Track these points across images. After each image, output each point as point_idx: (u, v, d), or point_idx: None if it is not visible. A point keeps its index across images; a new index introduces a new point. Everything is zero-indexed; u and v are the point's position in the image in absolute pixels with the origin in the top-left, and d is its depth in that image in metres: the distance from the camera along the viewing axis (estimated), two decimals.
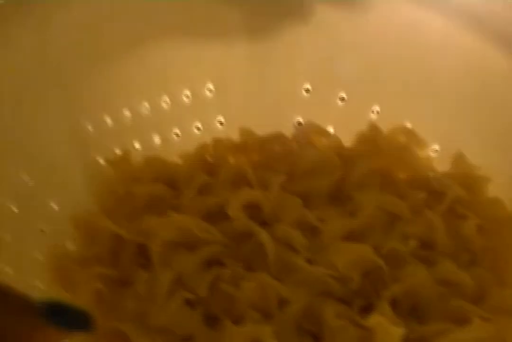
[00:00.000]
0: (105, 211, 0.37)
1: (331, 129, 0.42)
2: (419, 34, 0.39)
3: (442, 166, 0.40)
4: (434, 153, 0.41)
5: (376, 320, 0.30)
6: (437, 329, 0.31)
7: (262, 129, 0.41)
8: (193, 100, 0.42)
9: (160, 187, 0.37)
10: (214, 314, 0.32)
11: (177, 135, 0.42)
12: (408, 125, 0.41)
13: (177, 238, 0.34)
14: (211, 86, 0.41)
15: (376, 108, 0.42)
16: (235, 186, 0.36)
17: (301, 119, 0.43)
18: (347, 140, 0.41)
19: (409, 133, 0.40)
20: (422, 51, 0.40)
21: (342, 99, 0.42)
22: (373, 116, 0.42)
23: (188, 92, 0.41)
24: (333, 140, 0.40)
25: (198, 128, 0.43)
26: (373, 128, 0.40)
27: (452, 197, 0.36)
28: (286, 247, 0.33)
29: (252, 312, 0.31)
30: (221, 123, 0.43)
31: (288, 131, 0.42)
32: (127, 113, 0.40)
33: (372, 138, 0.39)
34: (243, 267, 0.34)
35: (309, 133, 0.39)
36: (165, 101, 0.41)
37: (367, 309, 0.32)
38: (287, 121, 0.43)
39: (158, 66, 0.40)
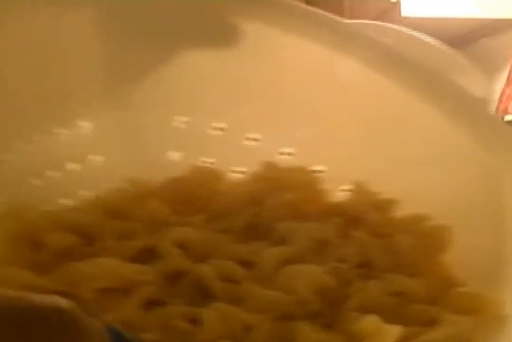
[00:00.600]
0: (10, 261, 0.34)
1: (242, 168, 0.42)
2: (327, 74, 0.39)
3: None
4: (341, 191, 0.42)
5: (370, 320, 0.30)
6: (408, 332, 0.32)
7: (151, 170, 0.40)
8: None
9: (71, 236, 0.36)
10: None
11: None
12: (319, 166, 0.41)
13: (109, 283, 0.32)
14: None
15: (288, 149, 0.42)
16: (155, 228, 0.36)
17: (211, 160, 0.43)
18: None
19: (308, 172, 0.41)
20: (331, 93, 0.39)
21: (255, 139, 0.41)
22: (285, 157, 0.41)
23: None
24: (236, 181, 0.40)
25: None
26: (270, 167, 0.40)
27: (371, 218, 0.38)
28: (226, 280, 0.33)
29: None
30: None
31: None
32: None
33: (270, 177, 0.39)
34: (185, 304, 0.33)
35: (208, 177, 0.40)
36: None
37: (330, 326, 0.32)
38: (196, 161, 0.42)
39: None
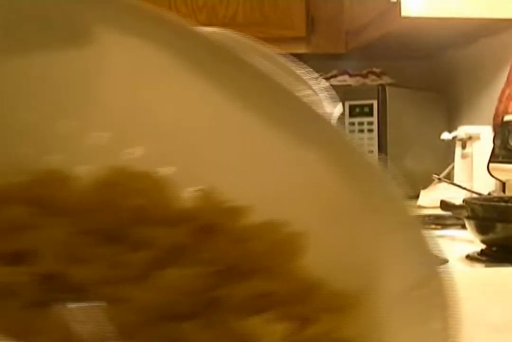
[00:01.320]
0: None
1: None
2: None
3: None
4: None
5: (253, 321, 0.31)
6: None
7: None
8: None
9: None
10: None
11: None
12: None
13: None
14: None
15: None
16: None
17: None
18: None
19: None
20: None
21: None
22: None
23: None
24: None
25: None
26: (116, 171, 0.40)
27: (224, 225, 0.38)
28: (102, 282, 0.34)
29: None
30: None
31: None
32: None
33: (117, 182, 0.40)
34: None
35: None
36: None
37: (212, 327, 0.33)
38: None
39: None
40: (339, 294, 0.36)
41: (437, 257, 0.36)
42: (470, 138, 1.76)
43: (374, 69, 2.06)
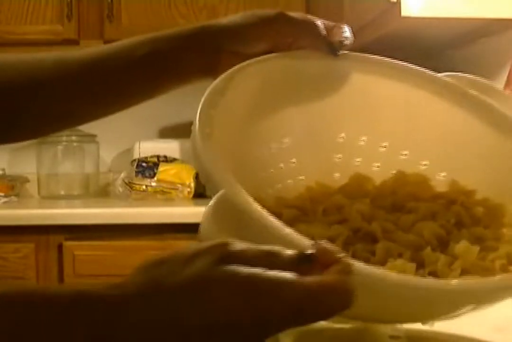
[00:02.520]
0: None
1: None
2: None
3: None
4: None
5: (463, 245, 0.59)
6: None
7: None
8: None
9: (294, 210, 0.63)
10: None
11: None
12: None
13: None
14: None
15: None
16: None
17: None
18: None
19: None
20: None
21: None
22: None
23: None
24: None
25: None
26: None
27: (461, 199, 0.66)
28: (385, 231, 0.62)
29: None
30: None
31: None
32: None
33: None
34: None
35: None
36: None
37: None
38: None
39: None
40: None
41: None
42: None
43: None
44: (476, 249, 0.58)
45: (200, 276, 0.42)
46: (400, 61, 0.71)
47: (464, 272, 0.57)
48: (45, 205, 2.20)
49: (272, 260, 0.43)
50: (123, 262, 1.87)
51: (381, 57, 0.70)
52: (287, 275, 0.42)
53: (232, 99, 0.60)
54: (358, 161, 0.70)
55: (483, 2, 1.60)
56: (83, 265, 1.90)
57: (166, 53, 0.69)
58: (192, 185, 2.20)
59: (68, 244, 1.91)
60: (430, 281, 0.52)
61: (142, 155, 2.26)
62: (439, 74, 0.70)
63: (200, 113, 0.57)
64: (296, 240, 0.48)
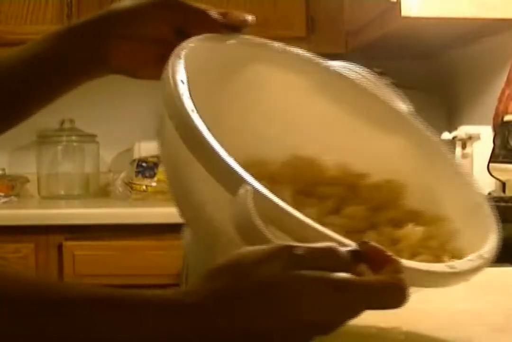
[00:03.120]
0: None
1: None
2: None
3: None
4: None
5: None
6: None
7: None
8: None
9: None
10: None
11: None
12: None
13: None
14: None
15: None
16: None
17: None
18: None
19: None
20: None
21: None
22: None
23: None
24: None
25: None
26: None
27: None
28: None
29: None
30: None
31: None
32: None
33: None
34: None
35: None
36: None
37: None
38: None
39: None
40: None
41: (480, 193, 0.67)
42: (470, 138, 1.76)
43: (374, 69, 2.06)
44: (420, 230, 0.62)
45: (277, 279, 0.45)
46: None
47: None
48: (45, 205, 2.20)
49: (331, 260, 0.46)
50: (123, 262, 1.87)
51: (290, 48, 0.71)
52: (353, 276, 0.46)
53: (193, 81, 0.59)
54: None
55: (483, 2, 1.60)
56: (83, 265, 1.90)
57: (51, 53, 0.70)
58: None
59: (68, 244, 1.91)
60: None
61: (142, 155, 2.26)
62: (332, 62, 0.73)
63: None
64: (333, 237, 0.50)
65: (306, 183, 0.68)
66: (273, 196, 0.49)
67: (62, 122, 2.34)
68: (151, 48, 0.68)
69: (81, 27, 0.70)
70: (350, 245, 0.48)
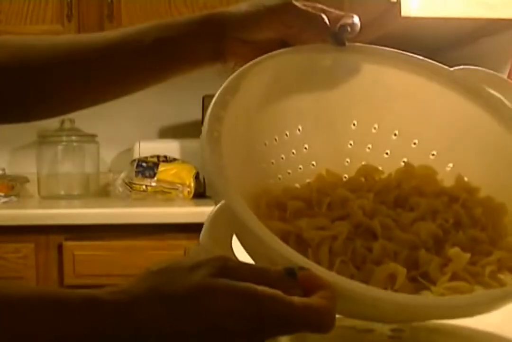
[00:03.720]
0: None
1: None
2: None
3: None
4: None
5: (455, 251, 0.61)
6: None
7: None
8: None
9: (299, 202, 0.65)
10: None
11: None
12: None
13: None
14: None
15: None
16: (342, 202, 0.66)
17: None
18: None
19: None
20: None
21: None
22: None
23: None
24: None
25: None
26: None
27: (463, 197, 0.67)
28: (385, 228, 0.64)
29: None
30: None
31: None
32: None
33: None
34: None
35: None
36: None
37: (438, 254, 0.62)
38: None
39: None
40: None
41: None
42: None
43: None
44: (467, 256, 0.60)
45: (200, 285, 0.46)
46: (413, 54, 0.72)
47: (454, 276, 0.59)
48: (45, 205, 2.20)
49: (261, 276, 0.48)
50: (123, 262, 1.87)
51: (392, 50, 0.71)
52: (278, 292, 0.47)
53: (244, 96, 0.61)
54: (369, 148, 0.72)
55: (483, 2, 1.60)
56: (83, 265, 1.90)
57: (175, 39, 0.70)
58: (192, 185, 2.20)
59: (68, 244, 1.91)
60: (402, 297, 0.53)
61: (142, 155, 2.26)
62: (453, 68, 0.73)
63: (209, 115, 0.59)
64: (287, 254, 0.51)
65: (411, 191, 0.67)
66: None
67: (62, 122, 2.34)
68: (262, 51, 0.68)
69: (192, 26, 0.70)
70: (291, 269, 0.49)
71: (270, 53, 0.66)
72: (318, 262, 0.58)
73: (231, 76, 0.62)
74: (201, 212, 1.85)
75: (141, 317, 0.45)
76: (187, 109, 2.40)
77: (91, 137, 2.38)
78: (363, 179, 0.69)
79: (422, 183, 0.68)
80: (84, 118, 2.35)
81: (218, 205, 0.54)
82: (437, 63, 0.73)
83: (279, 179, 0.68)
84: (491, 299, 0.53)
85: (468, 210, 0.66)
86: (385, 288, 0.57)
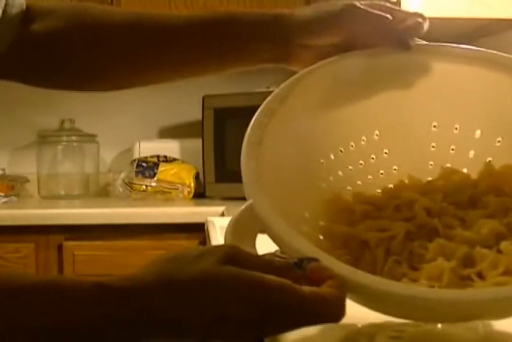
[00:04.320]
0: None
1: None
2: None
3: None
4: None
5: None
6: None
7: None
8: None
9: (367, 206, 0.65)
10: None
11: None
12: None
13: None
14: None
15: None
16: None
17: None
18: None
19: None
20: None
21: None
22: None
23: None
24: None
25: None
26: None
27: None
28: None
29: None
30: None
31: None
32: None
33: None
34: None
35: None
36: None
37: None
38: None
39: None
40: None
41: None
42: None
43: None
44: None
45: (207, 272, 0.46)
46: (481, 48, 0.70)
47: (507, 272, 0.56)
48: (45, 205, 2.20)
49: (269, 266, 0.48)
50: (123, 262, 1.87)
51: (459, 46, 0.69)
52: (286, 280, 0.46)
53: (295, 105, 0.61)
54: (452, 149, 0.70)
55: (483, 2, 1.60)
56: (83, 265, 1.90)
57: (241, 35, 0.71)
58: (192, 184, 2.20)
59: (68, 244, 1.91)
60: (414, 290, 0.51)
61: (142, 155, 2.26)
62: None
63: (253, 121, 0.59)
64: (295, 245, 0.51)
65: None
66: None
67: (62, 122, 2.34)
68: (326, 55, 0.68)
69: (258, 26, 0.71)
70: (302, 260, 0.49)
71: (329, 59, 0.65)
72: (374, 264, 0.59)
73: (284, 83, 0.62)
74: (201, 212, 1.85)
75: (148, 302, 0.46)
76: (187, 109, 2.40)
77: (91, 137, 2.38)
78: (441, 182, 0.67)
79: (501, 182, 0.65)
80: (84, 118, 2.36)
81: (244, 206, 0.54)
82: (504, 55, 0.69)
83: (359, 184, 0.68)
84: None
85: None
86: (432, 286, 0.55)
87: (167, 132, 2.48)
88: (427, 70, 0.68)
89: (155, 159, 2.24)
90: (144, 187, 2.21)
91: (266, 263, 0.48)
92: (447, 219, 0.62)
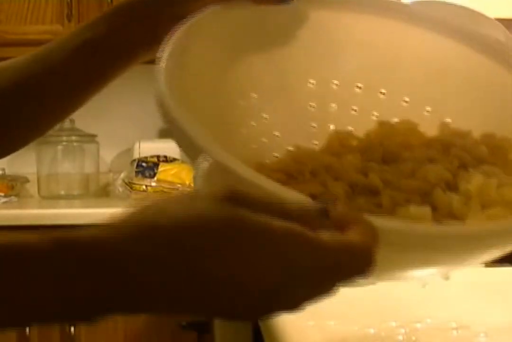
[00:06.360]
0: None
1: None
2: None
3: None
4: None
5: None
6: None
7: None
8: None
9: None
10: None
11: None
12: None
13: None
14: None
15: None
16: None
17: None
18: None
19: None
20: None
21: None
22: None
23: None
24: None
25: None
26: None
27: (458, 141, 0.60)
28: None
29: None
30: None
31: None
32: None
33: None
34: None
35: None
36: None
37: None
38: None
39: None
40: None
41: None
42: None
43: None
44: (494, 181, 0.53)
45: (203, 215, 0.37)
46: None
47: (485, 207, 0.53)
48: (45, 205, 2.20)
49: (279, 209, 0.37)
50: None
51: None
52: (300, 226, 0.36)
53: (195, 55, 0.56)
54: (354, 109, 0.64)
55: (483, 2, 1.60)
56: None
57: (103, 37, 0.65)
58: (192, 185, 2.21)
59: None
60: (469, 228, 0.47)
61: (142, 155, 2.26)
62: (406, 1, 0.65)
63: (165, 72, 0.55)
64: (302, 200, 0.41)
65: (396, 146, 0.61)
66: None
67: (62, 122, 2.35)
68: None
69: (131, 5, 0.66)
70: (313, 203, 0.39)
71: (210, 10, 0.58)
72: None
73: (170, 43, 0.55)
74: None
75: (132, 255, 0.37)
76: None
77: (91, 137, 2.38)
78: (338, 145, 0.62)
79: (406, 138, 0.61)
80: (84, 118, 2.35)
81: (203, 167, 0.45)
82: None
83: (244, 155, 0.58)
84: None
85: (470, 151, 0.58)
86: None
87: (167, 132, 2.48)
88: (310, 21, 0.62)
89: (155, 160, 2.24)
90: (144, 187, 2.21)
91: (278, 206, 0.38)
92: (380, 174, 0.56)
